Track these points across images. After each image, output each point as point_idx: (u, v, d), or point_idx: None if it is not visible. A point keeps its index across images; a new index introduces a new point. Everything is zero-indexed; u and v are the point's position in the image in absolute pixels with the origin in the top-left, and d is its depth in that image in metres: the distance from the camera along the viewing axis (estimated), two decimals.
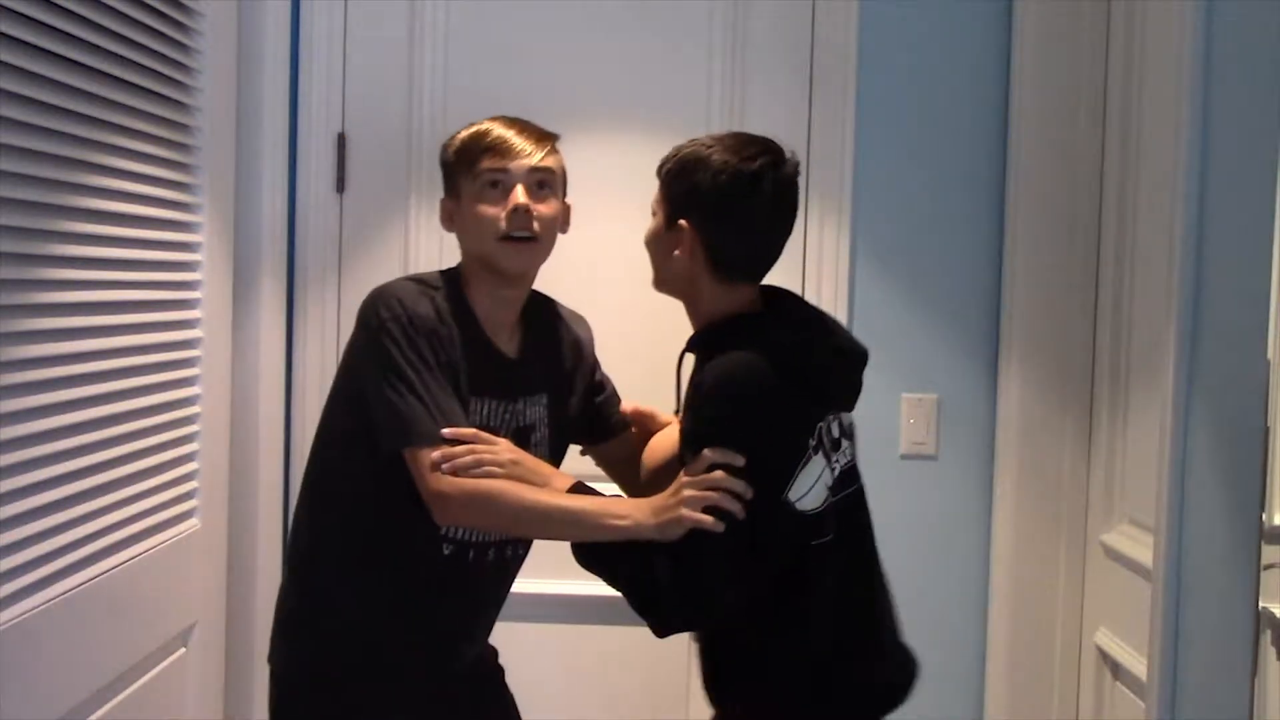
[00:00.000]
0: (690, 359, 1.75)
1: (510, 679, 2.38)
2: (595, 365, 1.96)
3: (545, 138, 1.73)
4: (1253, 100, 1.64)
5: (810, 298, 2.35)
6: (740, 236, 1.66)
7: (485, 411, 1.72)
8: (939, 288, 2.39)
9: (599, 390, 1.95)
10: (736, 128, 2.35)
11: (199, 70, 2.00)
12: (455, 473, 1.60)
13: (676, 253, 1.67)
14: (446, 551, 1.72)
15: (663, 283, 1.75)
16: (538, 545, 2.42)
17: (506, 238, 1.68)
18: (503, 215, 1.67)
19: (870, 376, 2.38)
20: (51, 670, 1.61)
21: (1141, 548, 2.02)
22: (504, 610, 2.38)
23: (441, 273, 1.76)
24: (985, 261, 2.38)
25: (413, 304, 1.64)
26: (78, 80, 1.60)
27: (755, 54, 2.37)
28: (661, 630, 1.61)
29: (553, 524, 1.65)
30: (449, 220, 1.76)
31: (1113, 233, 2.25)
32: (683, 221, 1.65)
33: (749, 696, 1.68)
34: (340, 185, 2.40)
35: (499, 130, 1.70)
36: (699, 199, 1.64)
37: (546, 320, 1.87)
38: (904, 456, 2.40)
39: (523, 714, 2.40)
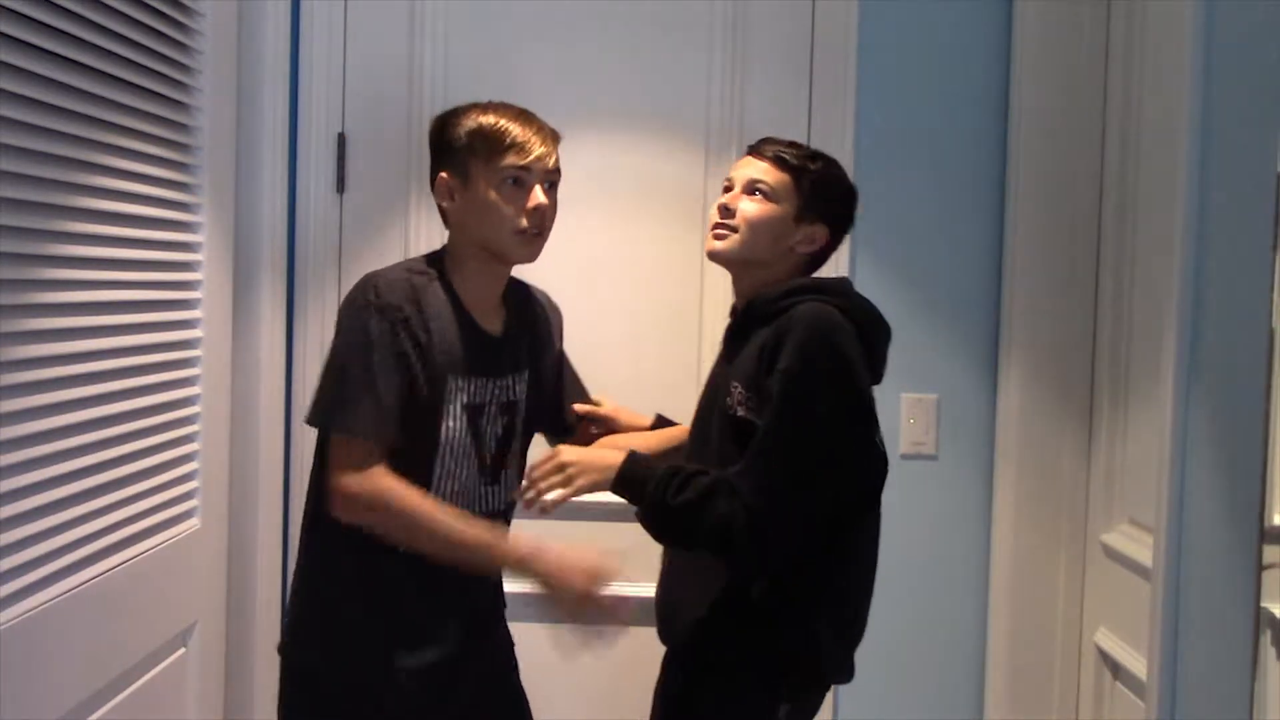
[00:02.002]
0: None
1: None
2: (562, 350, 2.03)
3: (557, 138, 1.82)
4: (1253, 100, 1.64)
5: None
6: (837, 247, 1.87)
7: (473, 390, 1.79)
8: (939, 288, 2.39)
9: (564, 379, 2.01)
10: (736, 127, 2.37)
11: (199, 70, 2.00)
12: (543, 513, 1.72)
13: (803, 248, 1.81)
14: None
15: (746, 262, 1.82)
16: None
17: (522, 231, 1.76)
18: (523, 213, 1.75)
19: None
20: (51, 670, 1.60)
21: (1141, 548, 2.02)
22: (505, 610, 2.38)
23: (427, 257, 1.84)
24: (985, 261, 2.38)
25: (387, 293, 1.72)
26: (78, 80, 1.60)
27: (755, 53, 2.37)
28: (736, 570, 1.73)
29: (441, 547, 1.72)
30: (449, 197, 1.81)
31: (1113, 233, 2.25)
32: (821, 225, 1.81)
33: (773, 641, 1.74)
34: (340, 185, 2.40)
35: (519, 128, 1.77)
36: (837, 210, 1.83)
37: (525, 300, 1.94)
38: (904, 456, 2.40)
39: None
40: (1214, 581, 1.70)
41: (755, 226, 1.79)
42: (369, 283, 1.74)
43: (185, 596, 2.04)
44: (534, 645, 2.42)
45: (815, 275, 1.85)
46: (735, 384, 1.75)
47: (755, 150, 1.84)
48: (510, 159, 1.75)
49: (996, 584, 2.38)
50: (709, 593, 1.76)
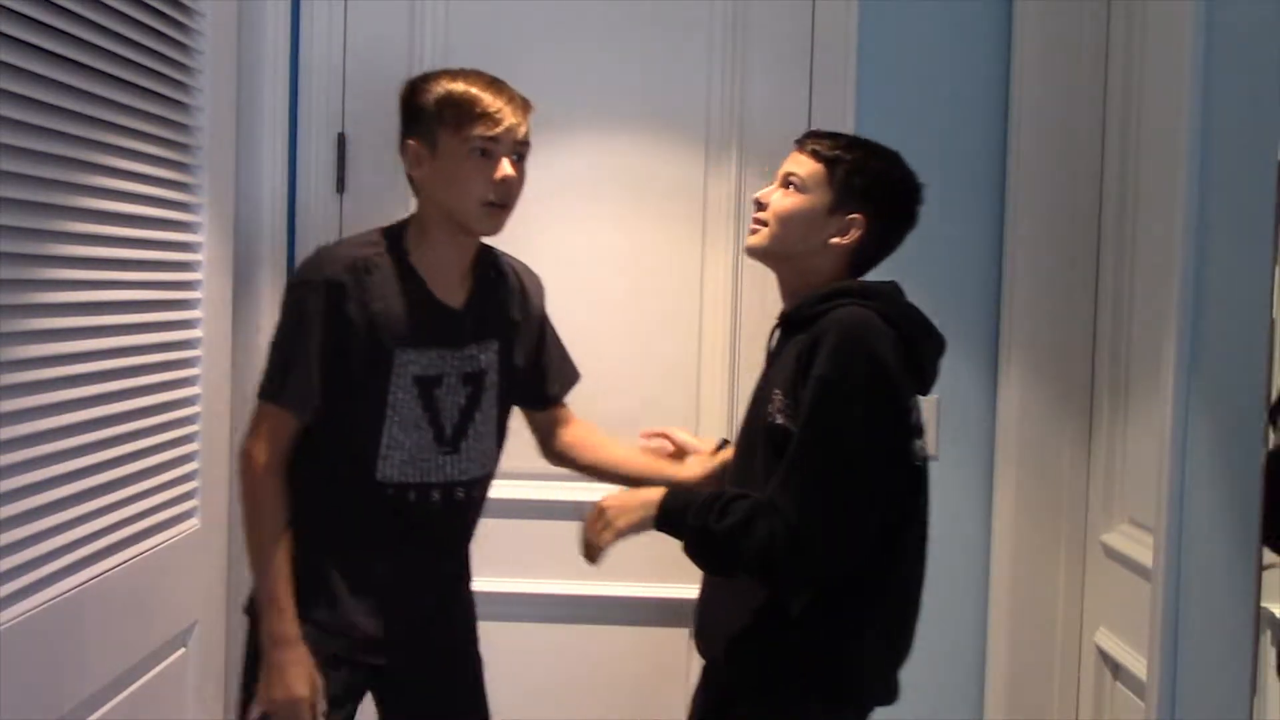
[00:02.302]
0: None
1: (510, 679, 2.37)
2: (544, 320, 2.02)
3: (528, 108, 1.82)
4: (1253, 100, 1.64)
5: None
6: (892, 243, 1.80)
7: (426, 361, 1.81)
8: (939, 288, 2.38)
9: (545, 349, 2.01)
10: (736, 128, 2.37)
11: (199, 70, 2.00)
12: (592, 562, 1.75)
13: (835, 240, 1.74)
14: (389, 493, 1.81)
15: (780, 256, 1.78)
16: (539, 545, 2.42)
17: (488, 203, 1.77)
18: (490, 184, 1.76)
19: None
20: (51, 670, 1.61)
21: (1141, 548, 2.02)
22: (503, 610, 2.39)
23: (388, 227, 1.86)
24: (985, 261, 2.38)
25: (326, 266, 1.77)
26: (78, 80, 1.60)
27: (755, 54, 2.37)
28: (785, 591, 1.67)
29: (252, 559, 1.80)
30: (417, 165, 1.81)
31: (1113, 233, 2.25)
32: (857, 214, 1.73)
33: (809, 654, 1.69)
34: (340, 185, 2.40)
35: (490, 98, 1.77)
36: (880, 202, 1.75)
37: (496, 269, 1.94)
38: None
39: (523, 714, 2.41)
40: (1214, 581, 1.70)
41: (783, 219, 1.74)
42: (311, 257, 1.81)
43: (185, 596, 2.04)
44: (532, 645, 2.42)
45: (864, 279, 1.78)
46: (776, 391, 1.69)
47: (797, 143, 1.80)
48: (479, 129, 1.74)
49: (996, 584, 2.38)
50: (746, 607, 1.71)
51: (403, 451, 1.80)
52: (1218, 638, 1.69)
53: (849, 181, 1.73)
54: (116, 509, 1.77)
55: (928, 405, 2.39)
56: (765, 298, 2.36)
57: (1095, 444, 2.31)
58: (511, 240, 2.36)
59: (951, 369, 2.39)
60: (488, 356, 1.88)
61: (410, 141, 1.80)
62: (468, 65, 2.37)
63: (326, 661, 1.79)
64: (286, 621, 1.76)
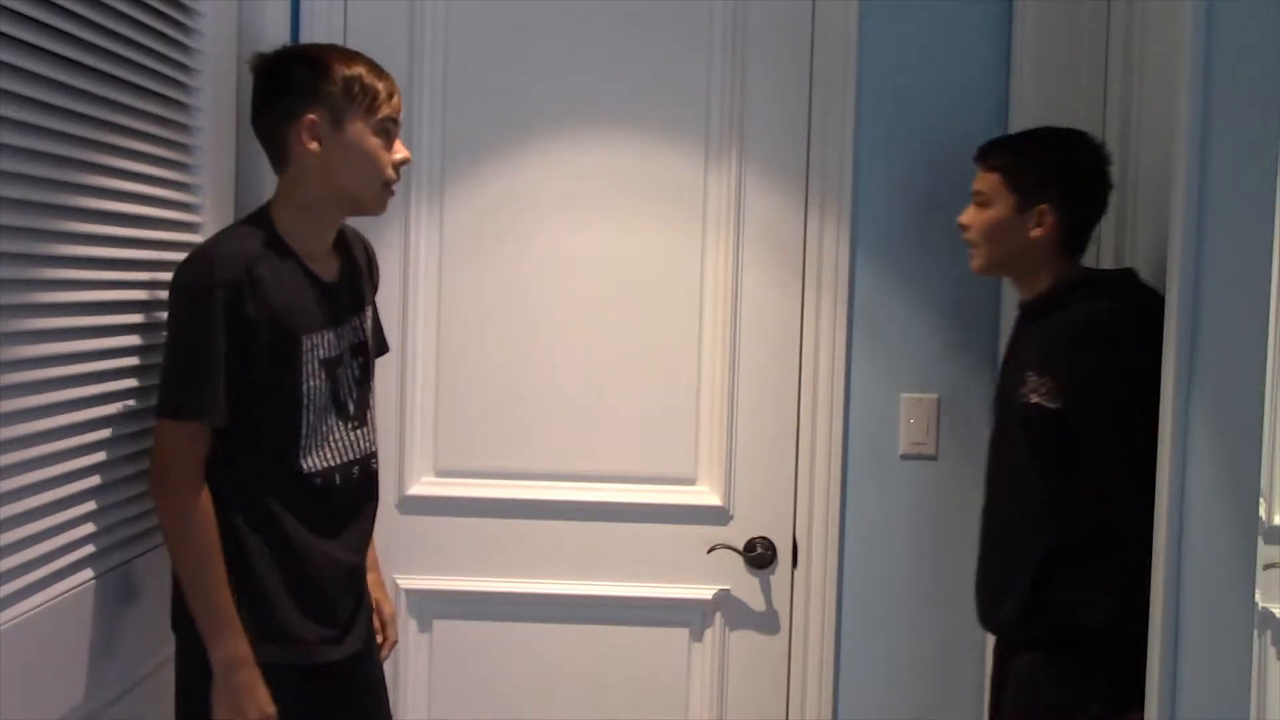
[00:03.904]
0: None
1: (511, 678, 2.38)
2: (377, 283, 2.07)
3: None
4: (1253, 100, 1.64)
5: (810, 298, 2.36)
6: (1093, 211, 1.95)
7: (327, 343, 1.81)
8: (939, 288, 2.39)
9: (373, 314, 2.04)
10: (736, 127, 2.37)
11: (199, 70, 2.01)
12: None
13: (1036, 233, 1.91)
14: (317, 483, 1.79)
15: (1000, 266, 1.98)
16: (540, 546, 2.42)
17: (387, 183, 1.81)
18: (392, 164, 1.81)
19: (870, 376, 2.39)
20: (52, 670, 1.61)
21: None
22: (501, 609, 2.39)
23: (250, 218, 1.82)
24: None
25: (221, 269, 1.70)
26: (78, 80, 1.60)
27: (755, 54, 2.37)
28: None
29: (194, 587, 1.73)
30: (314, 141, 1.77)
31: (1112, 233, 2.25)
32: (1044, 205, 1.90)
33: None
34: None
35: (384, 81, 1.80)
36: (1056, 184, 1.91)
37: (346, 236, 1.95)
38: (904, 456, 2.40)
39: (523, 714, 2.41)
40: (1214, 581, 1.70)
41: (984, 235, 1.96)
42: (199, 262, 1.73)
43: None
44: (532, 645, 2.42)
45: (1100, 269, 1.95)
46: (1028, 373, 1.83)
47: (974, 160, 1.98)
48: (386, 110, 1.79)
49: None
50: (1022, 574, 1.86)
51: (318, 436, 1.80)
52: (1218, 638, 1.69)
53: (1023, 179, 1.91)
54: (118, 509, 1.78)
55: (927, 404, 2.40)
56: (765, 297, 2.37)
57: None
58: (512, 241, 2.37)
59: (951, 369, 2.40)
60: (366, 324, 1.92)
61: (311, 117, 1.75)
62: (469, 66, 2.38)
63: (282, 675, 1.75)
64: (243, 641, 1.72)
